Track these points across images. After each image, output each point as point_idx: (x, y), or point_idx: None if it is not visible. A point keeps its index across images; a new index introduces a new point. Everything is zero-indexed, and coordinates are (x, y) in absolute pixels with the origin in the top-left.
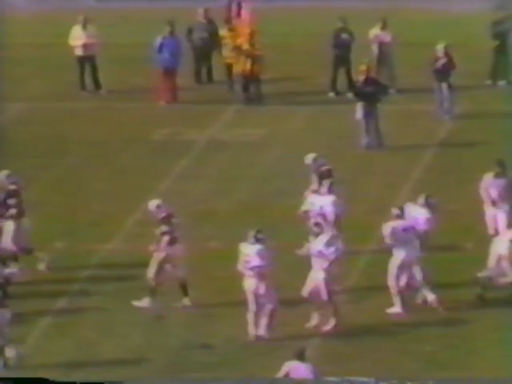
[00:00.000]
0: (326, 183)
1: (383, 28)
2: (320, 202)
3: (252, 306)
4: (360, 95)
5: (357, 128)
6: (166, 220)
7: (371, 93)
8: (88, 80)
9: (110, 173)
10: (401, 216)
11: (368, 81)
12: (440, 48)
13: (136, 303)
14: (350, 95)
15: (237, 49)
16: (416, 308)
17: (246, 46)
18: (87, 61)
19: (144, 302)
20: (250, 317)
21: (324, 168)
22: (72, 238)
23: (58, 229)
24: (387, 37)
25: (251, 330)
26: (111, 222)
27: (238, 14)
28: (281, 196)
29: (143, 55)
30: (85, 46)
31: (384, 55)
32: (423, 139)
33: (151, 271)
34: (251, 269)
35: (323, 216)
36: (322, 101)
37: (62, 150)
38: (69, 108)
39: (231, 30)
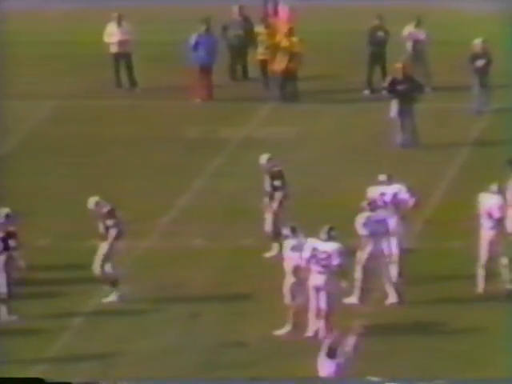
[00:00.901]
0: (277, 182)
1: (417, 26)
2: (392, 191)
3: (314, 302)
4: (394, 93)
5: (392, 126)
6: (111, 214)
7: (406, 91)
8: (123, 78)
9: (145, 171)
10: (372, 209)
11: (403, 79)
12: (478, 43)
13: (104, 300)
14: (385, 93)
15: (274, 46)
16: (447, 305)
17: (284, 44)
18: (122, 58)
19: (112, 297)
20: (312, 313)
21: (275, 169)
22: None
23: (93, 227)
24: (421, 34)
25: (312, 327)
26: (146, 219)
27: (275, 12)
28: (315, 194)
29: (179, 53)
30: (120, 43)
31: (418, 53)
32: (458, 137)
33: (96, 267)
34: (327, 266)
35: (396, 204)
36: (358, 99)
37: (97, 147)
38: (104, 106)
39: (268, 27)
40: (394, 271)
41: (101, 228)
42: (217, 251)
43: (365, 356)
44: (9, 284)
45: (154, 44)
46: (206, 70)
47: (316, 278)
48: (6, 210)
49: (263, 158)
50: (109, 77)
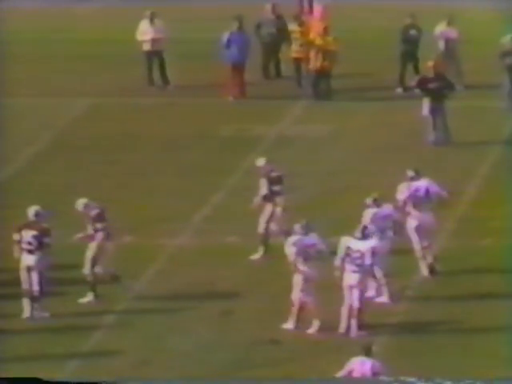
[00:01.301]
0: (276, 188)
1: (449, 24)
2: (424, 185)
3: (348, 301)
4: (426, 91)
5: (424, 124)
6: (100, 217)
7: (437, 89)
8: (156, 75)
9: (178, 168)
10: (378, 205)
11: (435, 77)
12: (507, 40)
13: (81, 300)
14: (417, 91)
15: (309, 44)
16: (480, 302)
17: (319, 42)
18: (155, 56)
19: (88, 298)
20: (345, 311)
21: (275, 174)
22: (140, 234)
23: (126, 224)
24: (453, 33)
25: (343, 324)
26: (179, 217)
27: (310, 10)
28: (348, 192)
29: (211, 51)
30: (152, 41)
31: (450, 51)
32: (491, 135)
33: (86, 268)
34: (360, 265)
35: (428, 197)
36: (391, 97)
37: (130, 145)
38: (136, 103)
39: (301, 25)
40: (424, 269)
41: (89, 230)
42: (250, 249)
43: (398, 354)
44: (41, 282)
45: (187, 42)
46: (238, 67)
47: (350, 277)
48: (35, 208)
49: (260, 161)
50: (141, 75)
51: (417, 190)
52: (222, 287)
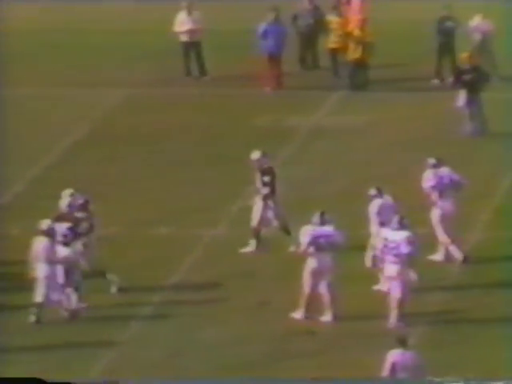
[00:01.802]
0: (266, 178)
1: (485, 17)
2: (447, 173)
3: (392, 292)
4: (461, 83)
5: (461, 115)
6: (83, 207)
7: (472, 80)
8: (193, 66)
9: (214, 159)
10: (379, 196)
11: (470, 68)
12: None
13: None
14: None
15: (347, 35)
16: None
17: (357, 33)
18: (192, 47)
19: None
20: (393, 303)
21: (266, 165)
22: (176, 224)
23: (162, 214)
24: (488, 25)
25: (393, 317)
26: (215, 207)
27: (348, 1)
28: (382, 183)
29: (248, 42)
30: (190, 32)
31: (485, 44)
32: None
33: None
34: (398, 255)
35: (452, 185)
36: (427, 88)
37: (167, 136)
38: (173, 94)
39: (340, 15)
40: (458, 254)
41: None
42: (286, 239)
43: (432, 345)
44: (79, 273)
45: (224, 33)
46: (274, 58)
47: (389, 268)
48: (68, 199)
49: (255, 154)
50: (178, 65)
51: (442, 178)
52: (258, 278)
